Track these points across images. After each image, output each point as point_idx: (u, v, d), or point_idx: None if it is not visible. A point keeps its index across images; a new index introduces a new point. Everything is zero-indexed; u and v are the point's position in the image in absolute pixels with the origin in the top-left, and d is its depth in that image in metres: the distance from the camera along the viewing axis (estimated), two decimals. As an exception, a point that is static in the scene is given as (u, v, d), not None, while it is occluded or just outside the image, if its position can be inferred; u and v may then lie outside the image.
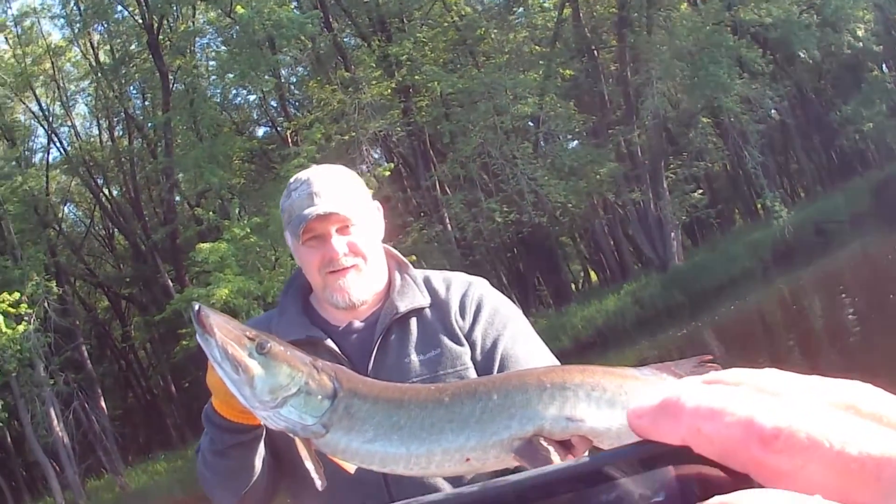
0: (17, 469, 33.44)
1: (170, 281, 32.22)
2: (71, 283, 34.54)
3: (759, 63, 31.07)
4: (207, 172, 27.75)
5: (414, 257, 23.39)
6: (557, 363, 2.18)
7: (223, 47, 33.42)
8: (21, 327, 23.73)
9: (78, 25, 33.09)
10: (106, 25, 33.65)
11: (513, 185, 28.58)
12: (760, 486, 0.40)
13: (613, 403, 1.49)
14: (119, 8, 32.38)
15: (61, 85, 34.72)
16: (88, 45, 34.52)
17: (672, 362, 1.55)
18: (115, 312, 40.62)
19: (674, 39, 30.51)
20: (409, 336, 2.33)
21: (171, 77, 31.82)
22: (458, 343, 2.30)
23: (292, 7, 28.86)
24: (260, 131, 40.34)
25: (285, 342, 1.71)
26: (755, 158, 30.75)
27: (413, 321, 2.35)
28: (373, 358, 2.30)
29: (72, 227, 40.11)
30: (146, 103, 36.73)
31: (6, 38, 33.54)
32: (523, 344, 2.33)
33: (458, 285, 2.41)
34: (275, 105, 36.14)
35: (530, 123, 32.06)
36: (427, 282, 2.42)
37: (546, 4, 35.22)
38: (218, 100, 34.23)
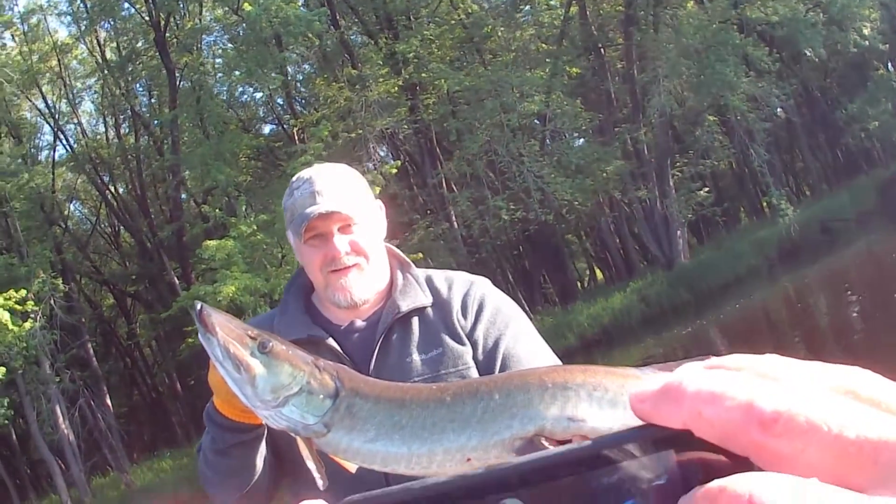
0: (23, 467, 33.46)
1: (176, 278, 32.24)
2: (77, 280, 34.53)
3: (765, 61, 31.04)
4: (214, 170, 27.77)
5: (420, 255, 23.46)
6: (559, 362, 2.18)
7: (230, 45, 33.47)
8: (27, 324, 23.73)
9: (84, 23, 33.06)
10: (113, 23, 33.67)
11: (519, 183, 28.57)
12: (760, 470, 0.40)
13: (615, 404, 1.49)
14: (126, 5, 32.37)
15: (68, 82, 34.73)
16: (95, 42, 34.54)
17: (674, 362, 1.55)
18: (121, 310, 40.67)
19: (680, 37, 30.48)
20: (410, 335, 2.33)
21: (177, 74, 31.88)
22: (460, 342, 2.30)
23: (299, 4, 28.84)
24: (266, 129, 40.48)
25: (287, 341, 1.71)
26: (761, 157, 30.71)
27: (415, 320, 2.35)
28: (374, 357, 2.30)
29: (78, 224, 40.15)
30: (153, 101, 36.80)
31: (13, 36, 33.55)
32: (525, 343, 2.33)
33: (460, 285, 2.41)
34: (281, 102, 36.22)
35: (536, 121, 32.08)
36: (429, 281, 2.42)
37: (553, 2, 35.15)
38: (224, 97, 34.28)
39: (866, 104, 34.82)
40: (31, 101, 34.58)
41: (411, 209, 31.54)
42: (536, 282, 37.14)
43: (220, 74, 34.09)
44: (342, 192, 2.28)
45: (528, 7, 35.47)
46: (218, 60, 34.78)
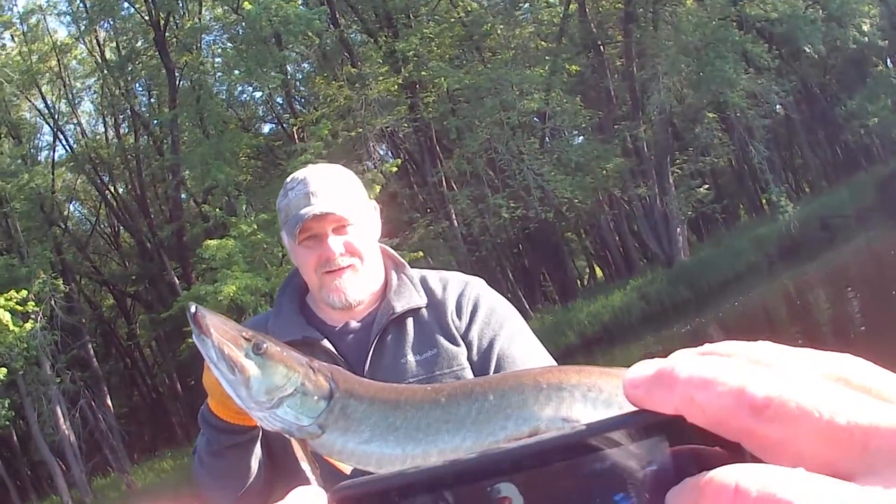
0: (23, 468, 33.45)
1: (176, 278, 32.21)
2: (77, 280, 34.51)
3: (764, 58, 31.07)
4: (214, 169, 27.75)
5: (420, 253, 23.48)
6: (554, 363, 2.18)
7: (230, 44, 33.40)
8: (28, 325, 23.71)
9: (84, 23, 33.05)
10: (112, 22, 33.66)
11: (519, 181, 28.56)
12: (752, 455, 0.41)
13: (610, 404, 1.48)
14: (125, 5, 32.35)
15: (67, 82, 34.71)
16: (94, 42, 34.52)
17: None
18: (121, 310, 40.65)
19: (679, 35, 30.48)
20: (405, 336, 2.33)
21: (177, 74, 31.88)
22: (455, 343, 2.30)
23: (299, 3, 28.82)
24: (266, 128, 40.49)
25: (281, 343, 1.71)
26: (761, 153, 30.69)
27: (409, 321, 2.35)
28: (369, 358, 2.29)
29: (77, 224, 40.15)
30: (152, 100, 36.80)
31: (12, 36, 33.52)
32: (520, 344, 2.32)
33: (455, 285, 2.40)
34: (281, 101, 36.20)
35: (536, 119, 32.07)
36: (423, 282, 2.42)
37: (552, 0, 35.16)
38: (224, 96, 34.30)
39: (866, 101, 34.77)
40: (30, 101, 34.57)
41: (411, 207, 31.56)
42: (536, 280, 37.16)
43: (219, 74, 34.08)
44: (336, 193, 2.28)
45: (527, 5, 35.44)
46: (217, 60, 34.76)
